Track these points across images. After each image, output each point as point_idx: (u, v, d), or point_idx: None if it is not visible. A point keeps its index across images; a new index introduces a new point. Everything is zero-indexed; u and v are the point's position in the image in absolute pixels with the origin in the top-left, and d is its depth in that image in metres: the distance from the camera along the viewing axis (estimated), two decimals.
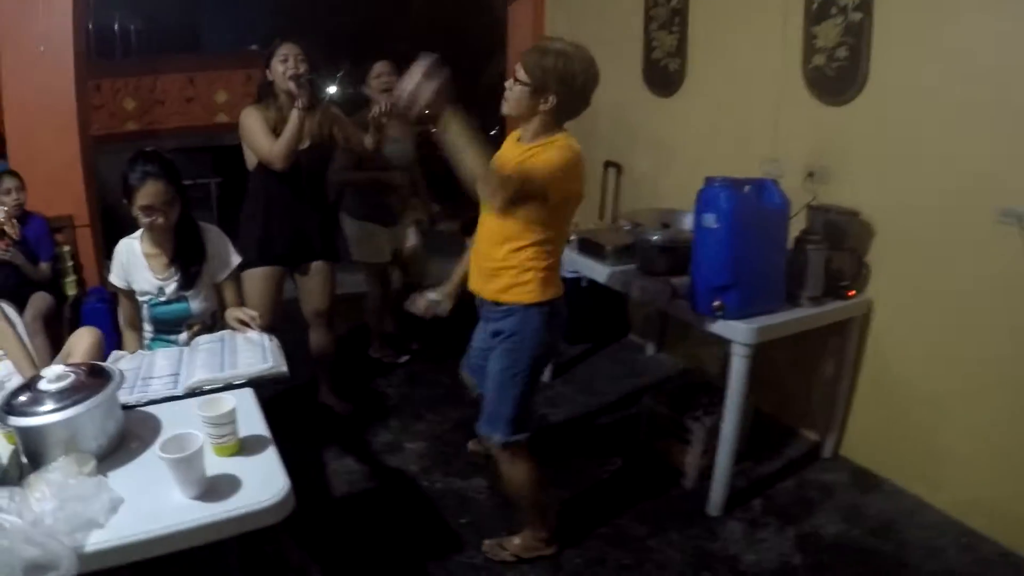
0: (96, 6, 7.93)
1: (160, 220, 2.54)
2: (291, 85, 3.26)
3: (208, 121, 8.80)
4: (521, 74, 2.37)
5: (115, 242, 2.77)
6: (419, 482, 3.37)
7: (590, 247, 3.67)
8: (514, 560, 2.83)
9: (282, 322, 3.43)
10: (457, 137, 2.15)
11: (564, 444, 3.72)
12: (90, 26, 7.82)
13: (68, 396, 1.76)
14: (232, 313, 2.67)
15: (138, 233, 2.71)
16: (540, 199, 2.34)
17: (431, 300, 2.91)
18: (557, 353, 3.30)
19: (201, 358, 2.33)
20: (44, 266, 4.13)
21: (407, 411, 4.05)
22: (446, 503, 3.22)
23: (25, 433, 1.72)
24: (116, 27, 9.26)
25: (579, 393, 4.33)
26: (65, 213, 4.46)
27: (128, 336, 2.81)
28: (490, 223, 2.53)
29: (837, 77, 3.31)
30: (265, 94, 3.44)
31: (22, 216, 4.07)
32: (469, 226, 2.88)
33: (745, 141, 3.84)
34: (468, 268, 2.72)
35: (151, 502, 1.62)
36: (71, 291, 4.42)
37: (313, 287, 3.72)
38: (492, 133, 2.35)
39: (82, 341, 2.58)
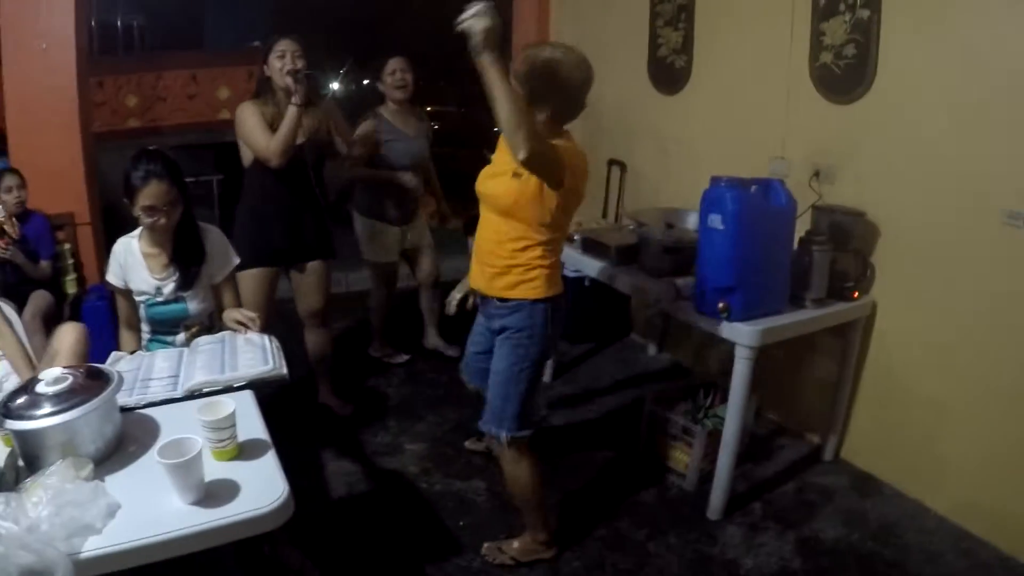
0: (99, 3, 7.95)
1: (162, 221, 2.51)
2: (288, 81, 3.25)
3: (210, 118, 8.81)
4: (517, 87, 2.36)
5: (116, 240, 2.75)
6: (418, 483, 3.36)
7: (594, 246, 3.65)
8: (513, 564, 2.82)
9: (276, 321, 3.42)
10: (495, 83, 2.13)
11: (564, 445, 3.70)
12: (93, 23, 7.84)
13: (66, 399, 1.74)
14: (230, 315, 2.65)
15: (137, 232, 2.68)
16: (556, 175, 2.35)
17: (456, 299, 2.96)
18: (555, 348, 3.32)
19: (201, 360, 2.31)
20: (44, 264, 4.13)
21: (407, 412, 4.04)
22: (445, 505, 3.20)
23: (22, 436, 1.71)
24: (119, 23, 9.25)
25: (580, 393, 4.31)
26: (66, 211, 4.45)
27: (125, 336, 2.78)
28: (494, 223, 2.55)
29: (845, 75, 3.29)
30: (263, 90, 3.43)
31: (23, 214, 4.07)
32: (470, 225, 2.88)
33: (751, 139, 3.83)
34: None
35: (149, 507, 1.61)
36: (71, 289, 4.41)
37: (308, 286, 3.72)
38: (496, 130, 2.35)
39: (66, 339, 2.56)
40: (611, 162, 4.97)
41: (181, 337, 2.67)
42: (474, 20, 2.05)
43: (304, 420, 3.86)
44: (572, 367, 4.64)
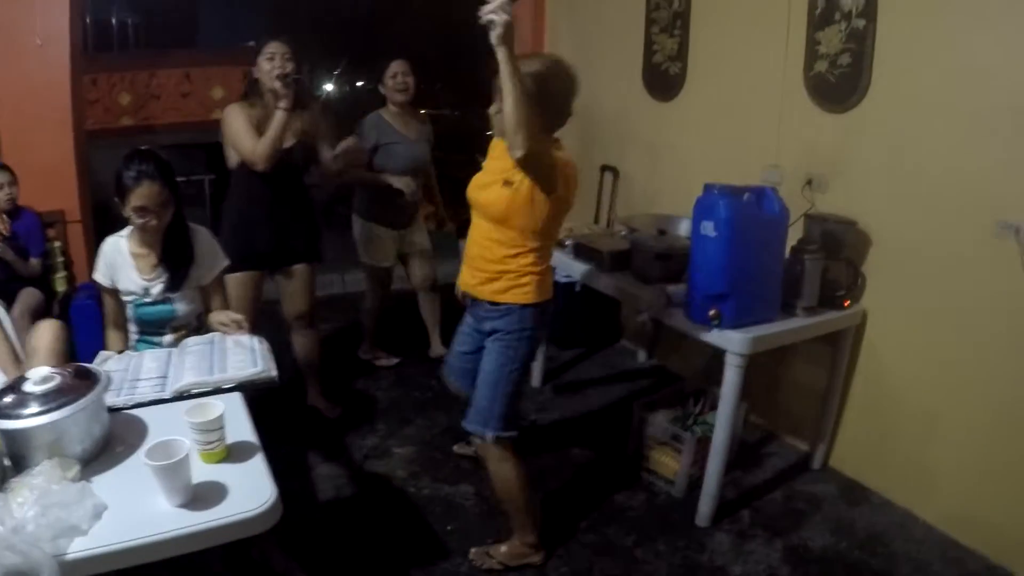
0: (94, 0, 7.93)
1: (153, 222, 2.49)
2: (276, 85, 3.23)
3: (204, 117, 8.78)
4: (500, 107, 2.38)
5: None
6: (406, 488, 3.35)
7: (586, 252, 3.65)
8: (501, 568, 2.82)
9: (262, 323, 3.40)
10: (510, 76, 2.15)
11: (553, 450, 3.70)
12: (87, 20, 7.82)
13: (53, 398, 1.73)
14: (216, 317, 2.64)
15: (126, 231, 2.66)
16: (550, 179, 2.38)
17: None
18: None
19: (190, 361, 2.30)
20: (34, 261, 4.11)
21: (395, 415, 4.03)
22: (433, 509, 3.19)
23: (8, 436, 1.69)
24: (114, 21, 9.23)
25: (569, 399, 4.32)
26: (57, 208, 4.43)
27: (111, 335, 2.75)
28: (485, 229, 2.58)
29: (839, 84, 3.30)
30: (251, 91, 3.42)
31: (13, 211, 4.06)
32: (463, 228, 2.89)
33: (745, 147, 3.83)
34: None
35: (136, 509, 1.60)
36: (61, 287, 4.39)
37: (294, 290, 3.71)
38: (489, 133, 2.37)
39: (44, 337, 2.55)
40: (604, 168, 4.97)
41: (169, 338, 2.65)
42: (497, 14, 2.07)
43: (292, 422, 3.84)
44: (562, 372, 4.64)
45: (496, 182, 2.49)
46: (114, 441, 1.88)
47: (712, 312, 2.82)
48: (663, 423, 3.39)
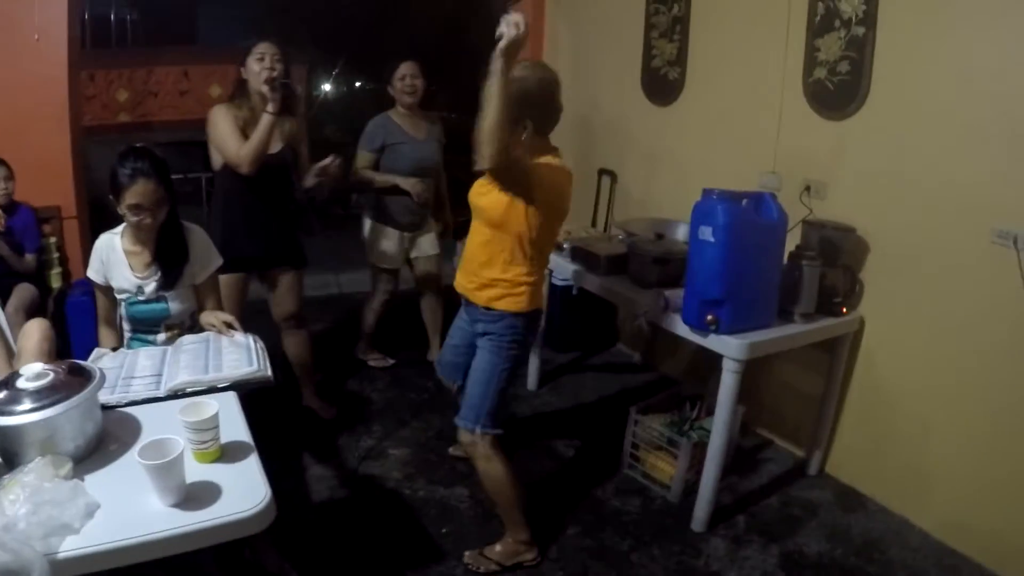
0: None
1: (148, 220, 2.47)
2: (265, 89, 3.21)
3: (201, 115, 8.66)
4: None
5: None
6: (401, 489, 3.34)
7: (583, 256, 3.64)
8: (498, 569, 2.82)
9: (249, 325, 3.39)
10: (495, 89, 2.21)
11: (548, 454, 3.70)
12: (86, 16, 7.80)
13: (47, 395, 1.72)
14: (206, 318, 2.62)
15: (120, 228, 2.64)
16: (522, 190, 2.43)
17: None
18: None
19: (185, 359, 2.28)
20: (29, 257, 4.09)
21: (391, 416, 4.02)
22: (428, 511, 3.18)
23: (1, 432, 1.68)
24: (112, 17, 9.20)
25: (565, 402, 4.31)
26: (53, 204, 4.41)
27: (104, 333, 2.74)
28: (484, 235, 2.63)
29: (838, 91, 3.30)
30: (238, 92, 3.39)
31: (9, 206, 4.03)
32: (460, 230, 2.90)
33: (743, 152, 3.83)
34: None
35: (128, 508, 1.58)
36: (56, 283, 4.37)
37: (281, 294, 3.69)
38: None
39: (32, 336, 2.52)
40: (602, 171, 4.96)
41: (162, 337, 2.64)
42: (511, 27, 2.15)
43: (287, 423, 3.83)
44: (557, 376, 4.63)
45: (495, 187, 2.51)
46: (107, 439, 1.87)
47: (709, 317, 2.82)
48: (659, 428, 3.38)
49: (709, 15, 4.07)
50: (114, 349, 2.57)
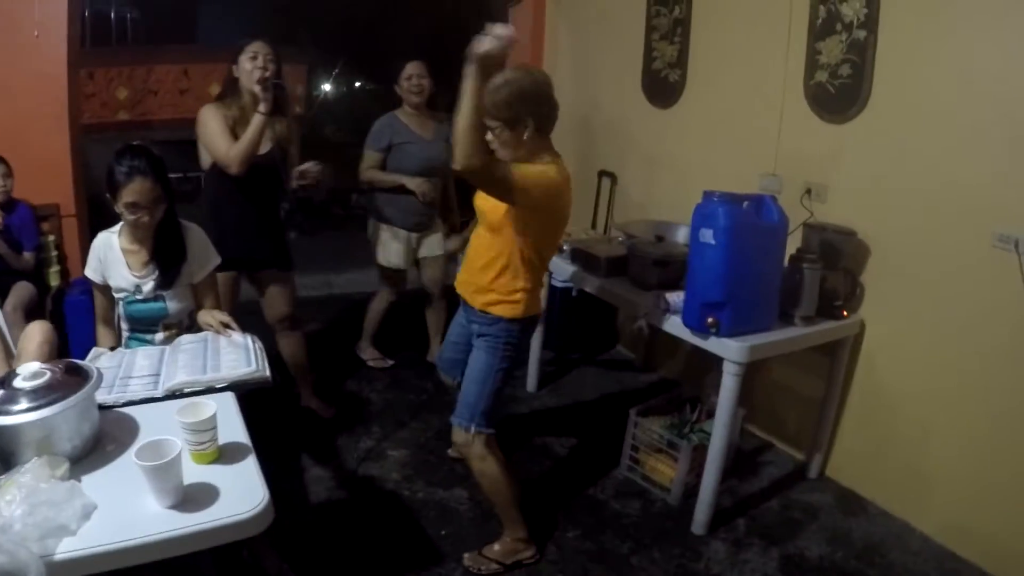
0: None
1: (145, 218, 2.46)
2: (257, 89, 3.19)
3: None
4: (492, 122, 2.48)
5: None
6: (400, 491, 3.32)
7: (583, 257, 3.63)
8: (499, 568, 2.82)
9: (245, 325, 3.38)
10: (468, 94, 2.25)
11: (547, 456, 3.69)
12: (86, 13, 7.78)
13: (43, 395, 1.70)
14: (203, 317, 2.60)
15: (117, 227, 2.63)
16: (502, 192, 2.42)
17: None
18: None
19: (183, 359, 2.27)
20: (28, 255, 4.07)
21: (390, 417, 4.00)
22: (427, 513, 3.17)
23: None
24: (112, 15, 9.19)
25: (564, 405, 4.30)
26: (52, 202, 4.39)
27: (102, 332, 2.72)
28: (486, 240, 2.65)
29: (839, 94, 3.29)
30: (228, 91, 3.37)
31: (8, 203, 4.02)
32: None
33: (743, 155, 3.82)
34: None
35: (125, 510, 1.57)
36: (54, 282, 4.36)
37: (272, 296, 3.67)
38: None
39: (33, 339, 2.51)
40: (602, 173, 4.95)
41: (160, 336, 2.62)
42: (483, 42, 2.18)
43: (286, 423, 3.81)
44: (557, 378, 4.62)
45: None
46: (105, 439, 1.85)
47: (710, 320, 2.81)
48: (659, 430, 3.37)
49: (710, 17, 4.06)
50: (112, 348, 2.56)
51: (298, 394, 4.00)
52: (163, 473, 1.56)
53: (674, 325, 3.03)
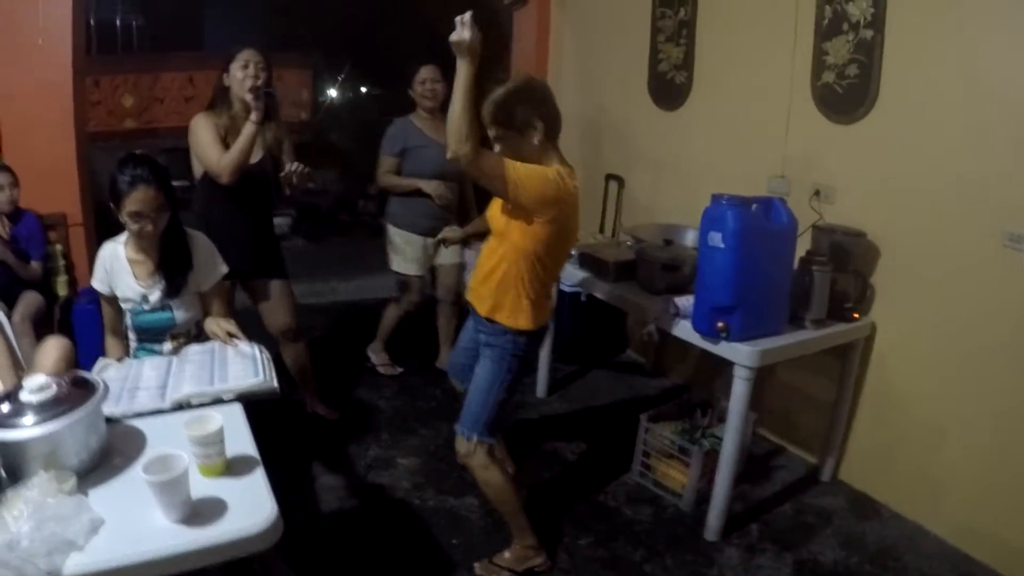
0: (98, 1, 7.91)
1: (149, 227, 2.45)
2: (249, 97, 3.17)
3: None
4: (501, 130, 2.51)
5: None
6: (411, 499, 3.31)
7: (591, 262, 3.61)
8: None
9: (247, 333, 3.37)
10: (462, 84, 2.30)
11: (558, 462, 3.67)
12: (92, 21, 7.80)
13: (49, 409, 1.69)
14: (209, 326, 2.59)
15: (123, 237, 2.62)
16: (497, 186, 2.41)
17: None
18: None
19: (190, 370, 2.26)
20: (35, 265, 4.07)
21: (400, 425, 3.99)
22: (437, 522, 3.15)
23: (4, 447, 1.65)
24: (118, 23, 9.21)
25: (574, 411, 4.28)
26: (58, 211, 4.39)
27: (111, 342, 2.72)
28: (495, 249, 2.64)
29: (847, 95, 3.27)
30: (219, 100, 3.35)
31: (14, 213, 4.02)
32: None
33: (751, 157, 3.80)
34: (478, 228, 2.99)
35: (133, 524, 1.56)
36: (62, 291, 4.36)
37: (271, 306, 3.64)
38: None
39: (50, 354, 2.48)
40: (609, 177, 4.94)
41: (168, 346, 2.61)
42: (459, 34, 2.25)
43: (294, 432, 3.80)
44: (567, 384, 4.60)
45: (481, 180, 2.53)
46: (112, 452, 1.84)
47: (720, 324, 2.79)
48: (670, 435, 3.35)
49: (716, 19, 4.05)
50: (119, 359, 2.55)
51: (303, 401, 3.99)
52: (170, 488, 1.54)
53: (684, 330, 3.02)
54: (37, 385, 1.74)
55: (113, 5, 9.00)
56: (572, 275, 3.69)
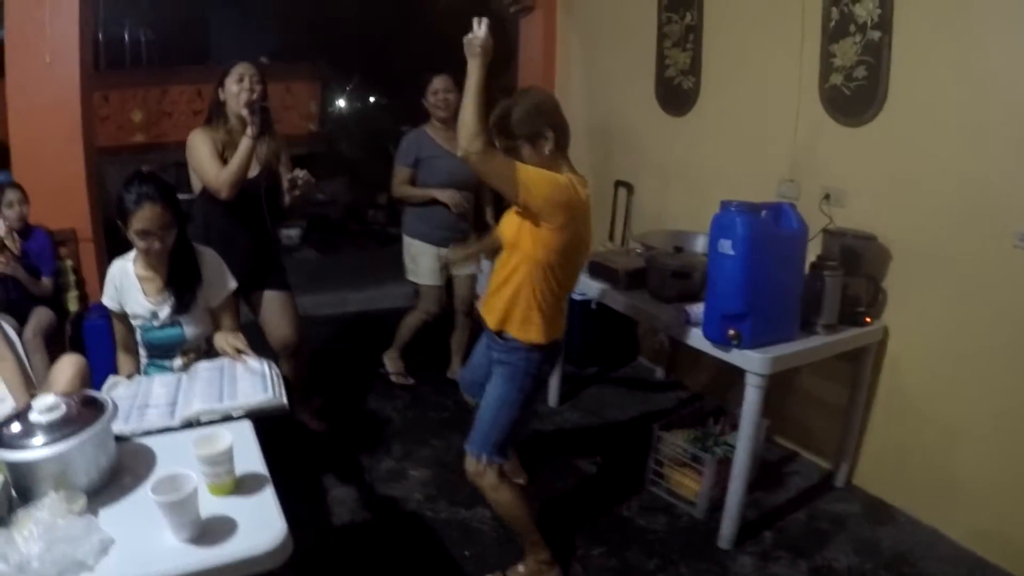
0: (106, 16, 7.94)
1: (156, 245, 2.46)
2: (244, 112, 3.18)
3: None
4: (512, 142, 2.50)
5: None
6: (423, 511, 3.30)
7: (601, 271, 3.61)
8: None
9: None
10: (471, 83, 2.33)
11: (570, 471, 3.65)
12: (100, 36, 7.82)
13: (59, 429, 1.70)
14: (218, 341, 2.59)
15: (132, 254, 2.64)
16: (507, 187, 2.39)
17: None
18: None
19: (199, 387, 2.26)
20: (46, 281, 4.08)
21: (411, 436, 3.98)
22: (450, 534, 3.14)
23: (14, 467, 1.66)
24: (126, 37, 9.24)
25: (586, 419, 4.26)
26: (68, 227, 4.41)
27: (123, 359, 2.74)
28: (506, 261, 2.62)
29: (855, 97, 3.26)
30: (215, 115, 3.36)
31: (25, 229, 4.04)
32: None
33: (760, 161, 3.79)
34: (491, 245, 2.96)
35: (143, 544, 1.56)
36: (73, 307, 4.37)
37: (272, 319, 3.62)
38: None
39: (63, 373, 2.49)
40: (618, 183, 4.92)
41: (178, 363, 2.62)
42: (481, 30, 2.33)
43: (305, 444, 3.80)
44: (578, 392, 4.58)
45: (513, 210, 2.57)
46: (122, 471, 1.84)
47: (731, 332, 2.78)
48: (682, 444, 3.33)
49: (722, 23, 4.04)
50: (129, 376, 2.56)
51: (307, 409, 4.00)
52: (179, 508, 1.54)
53: (695, 338, 3.01)
54: (46, 405, 1.74)
55: (121, 20, 9.02)
56: (582, 284, 3.67)
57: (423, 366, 4.74)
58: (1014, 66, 2.69)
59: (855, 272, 3.10)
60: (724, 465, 3.15)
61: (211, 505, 1.67)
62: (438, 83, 4.14)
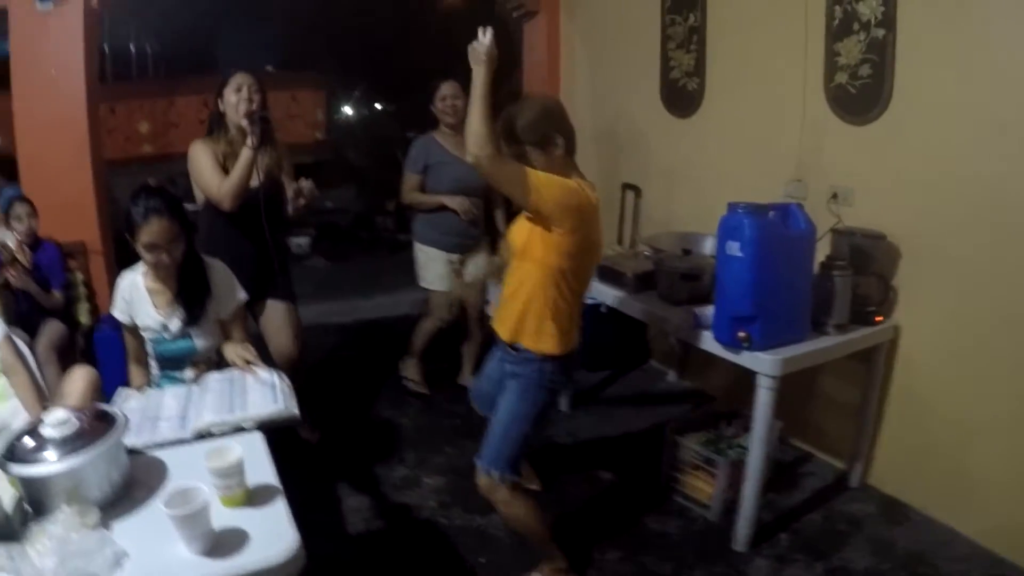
0: (112, 28, 7.96)
1: (165, 258, 2.47)
2: (244, 123, 3.17)
3: None
4: (521, 149, 2.49)
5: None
6: (437, 518, 3.29)
7: (610, 274, 3.60)
8: None
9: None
10: (477, 89, 2.35)
11: (583, 475, 3.65)
12: (106, 48, 7.85)
13: (71, 443, 1.70)
14: (228, 352, 2.60)
15: (141, 267, 2.64)
16: (517, 191, 2.39)
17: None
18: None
19: (210, 399, 2.27)
20: (56, 293, 4.10)
21: (424, 444, 3.97)
22: (464, 541, 3.14)
23: (27, 482, 1.66)
24: (132, 49, 9.26)
25: (599, 422, 4.25)
26: (78, 239, 4.43)
27: (134, 371, 2.74)
28: (516, 271, 2.62)
29: (860, 95, 3.25)
30: (215, 126, 3.35)
31: (34, 242, 4.05)
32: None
33: (766, 161, 3.78)
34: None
35: (156, 557, 1.56)
36: (84, 319, 4.39)
37: (274, 329, 3.60)
38: None
39: (75, 386, 2.50)
40: (626, 186, 4.91)
41: (190, 374, 2.63)
42: (486, 38, 2.34)
43: (319, 452, 3.80)
44: (590, 396, 4.58)
45: (523, 218, 2.57)
46: (134, 484, 1.84)
47: (741, 334, 2.77)
48: (696, 447, 3.32)
49: (725, 24, 4.03)
50: (140, 388, 2.56)
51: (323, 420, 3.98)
52: (192, 522, 1.54)
53: (705, 340, 3.00)
54: (58, 419, 1.75)
55: (127, 32, 9.04)
56: (592, 287, 3.66)
57: (435, 373, 4.72)
58: (1019, 60, 2.68)
59: (865, 271, 3.08)
60: (738, 467, 3.14)
61: (223, 517, 1.67)
62: (446, 89, 4.14)
